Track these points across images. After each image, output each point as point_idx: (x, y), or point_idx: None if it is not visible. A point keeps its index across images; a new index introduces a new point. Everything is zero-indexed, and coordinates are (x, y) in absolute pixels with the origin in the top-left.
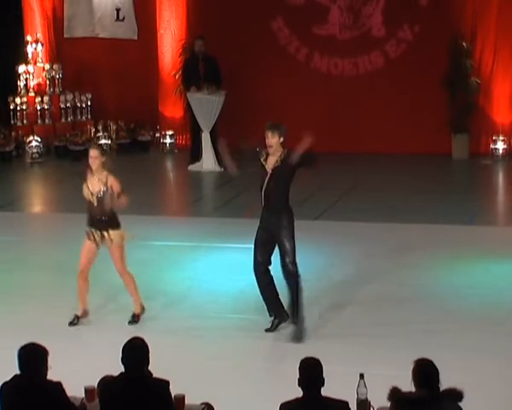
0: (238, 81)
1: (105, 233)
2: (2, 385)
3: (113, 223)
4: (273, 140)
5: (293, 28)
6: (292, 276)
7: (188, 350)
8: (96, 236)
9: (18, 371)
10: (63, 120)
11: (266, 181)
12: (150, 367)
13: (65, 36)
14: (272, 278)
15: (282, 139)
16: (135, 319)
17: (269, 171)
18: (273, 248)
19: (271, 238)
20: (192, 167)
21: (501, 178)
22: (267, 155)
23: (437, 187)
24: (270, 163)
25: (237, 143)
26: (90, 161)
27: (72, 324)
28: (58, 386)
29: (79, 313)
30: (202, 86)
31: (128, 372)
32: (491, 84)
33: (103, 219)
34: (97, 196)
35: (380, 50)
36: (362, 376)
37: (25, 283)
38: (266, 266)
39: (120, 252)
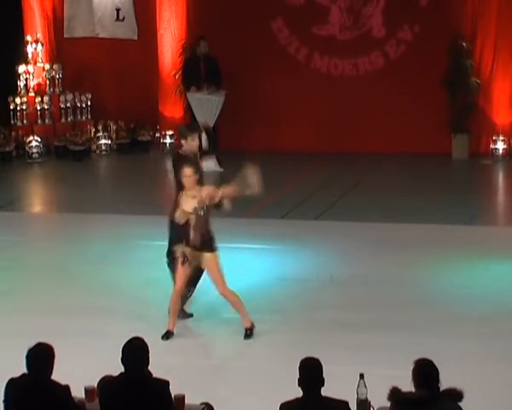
0: (238, 81)
1: (200, 254)
2: (9, 381)
3: (208, 245)
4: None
5: (293, 28)
6: None
7: (188, 350)
8: (188, 256)
9: (17, 371)
10: (63, 120)
11: None
12: (150, 367)
13: (65, 36)
14: None
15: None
16: (247, 332)
17: None
18: None
19: None
20: None
21: (501, 178)
22: None
23: (437, 187)
24: None
25: (237, 144)
26: (185, 179)
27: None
28: (65, 390)
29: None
30: (202, 86)
31: (128, 372)
32: (491, 84)
33: (200, 240)
34: (197, 214)
35: (380, 51)
36: (362, 376)
37: (25, 283)
38: None
39: (218, 272)
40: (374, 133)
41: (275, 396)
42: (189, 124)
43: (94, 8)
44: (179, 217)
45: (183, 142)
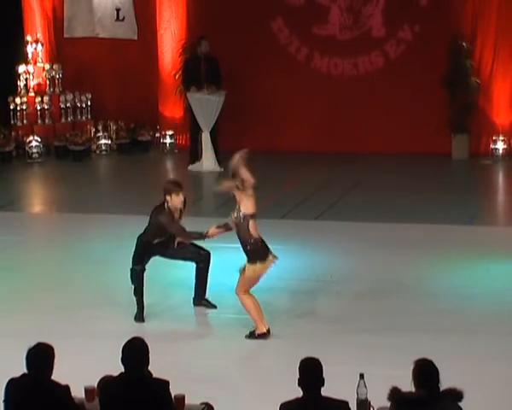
0: (238, 81)
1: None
2: (9, 381)
3: (251, 255)
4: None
5: (293, 28)
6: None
7: (188, 350)
8: None
9: (17, 371)
10: (63, 120)
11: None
12: (150, 367)
13: (65, 36)
14: None
15: None
16: (252, 334)
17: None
18: None
19: None
20: (192, 167)
21: (501, 178)
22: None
23: (437, 187)
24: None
25: (237, 144)
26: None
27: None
28: (65, 390)
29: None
30: (203, 86)
31: (128, 372)
32: (491, 84)
33: (245, 248)
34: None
35: (380, 51)
36: (362, 376)
37: (25, 283)
38: None
39: (245, 280)
40: (374, 133)
41: (275, 396)
42: (174, 180)
43: (94, 8)
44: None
45: (168, 198)
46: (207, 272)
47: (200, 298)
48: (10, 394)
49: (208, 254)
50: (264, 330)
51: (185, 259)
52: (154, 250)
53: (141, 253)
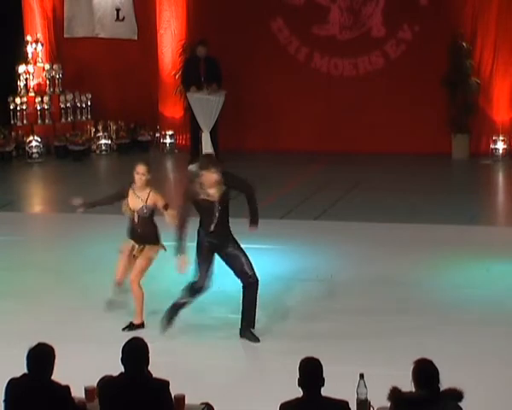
0: (238, 81)
1: (142, 247)
2: (10, 381)
3: (151, 239)
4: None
5: (293, 28)
6: (255, 285)
7: (187, 350)
8: (135, 248)
9: (17, 372)
10: (63, 120)
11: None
12: (150, 367)
13: (65, 36)
14: None
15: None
16: (131, 326)
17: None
18: None
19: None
20: (192, 167)
21: (501, 178)
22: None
23: (437, 187)
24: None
25: (237, 144)
26: (137, 177)
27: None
28: (65, 390)
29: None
30: (203, 86)
31: (128, 372)
32: (491, 84)
33: (142, 235)
34: (139, 214)
35: (380, 51)
36: (362, 376)
37: (24, 283)
38: None
39: (146, 264)
40: (374, 133)
41: (275, 396)
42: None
43: (94, 8)
44: (124, 212)
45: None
46: (255, 301)
47: (243, 331)
48: (10, 394)
49: (256, 280)
50: (141, 321)
51: (234, 271)
52: (205, 244)
53: (197, 249)
